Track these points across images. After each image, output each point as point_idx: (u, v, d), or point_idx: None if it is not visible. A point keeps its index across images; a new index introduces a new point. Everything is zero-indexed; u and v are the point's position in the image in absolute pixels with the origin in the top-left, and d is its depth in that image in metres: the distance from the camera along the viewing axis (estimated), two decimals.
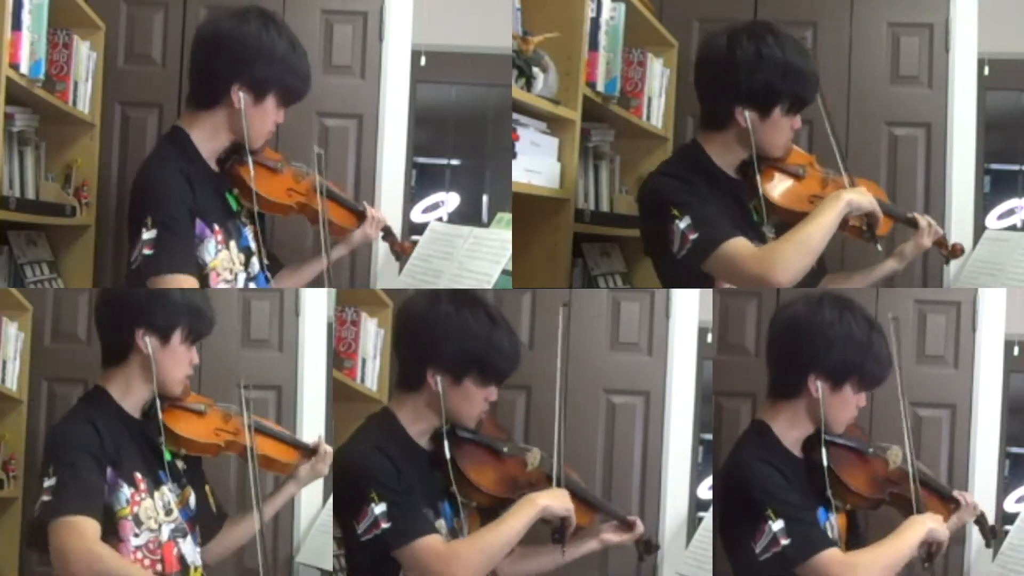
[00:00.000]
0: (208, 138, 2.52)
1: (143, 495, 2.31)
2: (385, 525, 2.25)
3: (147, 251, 2.35)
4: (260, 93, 2.49)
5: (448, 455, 2.35)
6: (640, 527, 2.57)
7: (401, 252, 3.00)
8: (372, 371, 3.52)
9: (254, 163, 2.55)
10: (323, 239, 2.65)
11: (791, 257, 2.40)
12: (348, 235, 2.77)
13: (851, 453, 2.50)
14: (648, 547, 2.61)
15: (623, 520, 2.57)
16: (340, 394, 3.38)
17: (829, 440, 2.47)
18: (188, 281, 2.37)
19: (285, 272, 2.79)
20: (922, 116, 3.66)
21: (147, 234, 2.36)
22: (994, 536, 2.73)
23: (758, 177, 2.49)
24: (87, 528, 2.16)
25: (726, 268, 2.43)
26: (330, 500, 3.22)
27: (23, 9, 2.81)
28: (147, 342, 2.34)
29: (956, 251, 2.76)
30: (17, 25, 2.79)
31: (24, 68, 2.84)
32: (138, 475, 2.31)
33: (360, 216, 2.78)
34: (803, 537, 2.34)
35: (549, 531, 2.41)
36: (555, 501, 2.36)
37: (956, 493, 2.57)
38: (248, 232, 2.60)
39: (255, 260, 2.61)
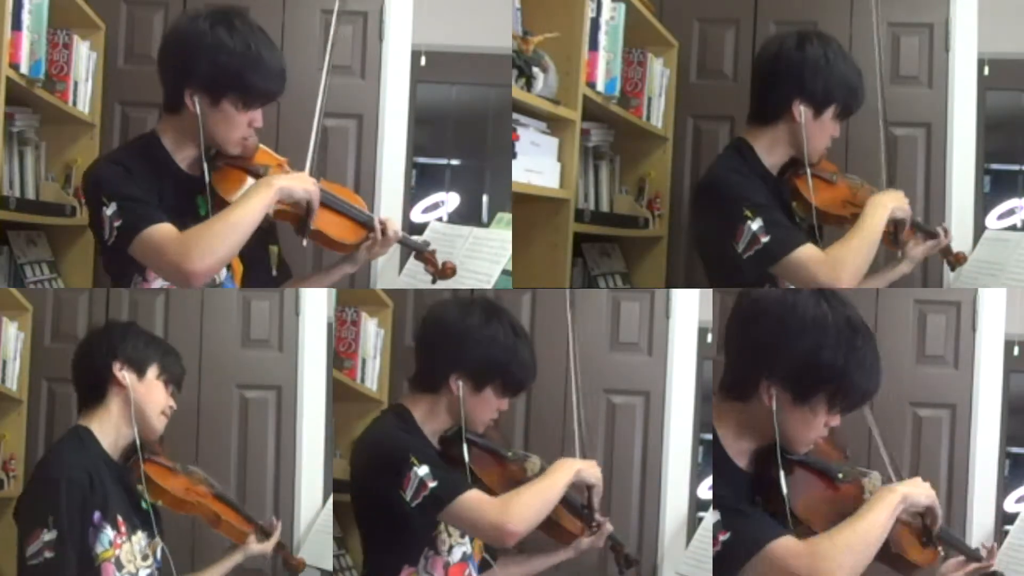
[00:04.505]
0: (177, 142, 2.39)
1: (124, 538, 2.31)
2: (432, 484, 2.26)
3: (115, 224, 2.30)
4: (215, 96, 2.33)
5: (467, 456, 2.38)
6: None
7: (442, 275, 2.59)
8: (372, 371, 3.52)
9: (228, 166, 2.40)
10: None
11: (852, 263, 2.53)
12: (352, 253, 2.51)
13: (813, 474, 2.10)
14: (628, 561, 2.59)
15: None
16: (340, 394, 3.39)
17: (792, 459, 2.07)
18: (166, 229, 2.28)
19: (290, 283, 2.69)
20: (922, 116, 3.65)
21: (108, 211, 2.29)
22: None
23: (808, 173, 2.62)
24: None
25: (796, 273, 2.52)
26: (330, 501, 3.22)
27: (23, 9, 2.81)
28: (124, 375, 2.35)
29: (960, 259, 2.82)
30: (17, 25, 2.79)
31: (24, 68, 2.85)
32: (120, 518, 2.31)
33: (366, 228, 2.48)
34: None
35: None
36: (588, 468, 2.40)
37: (982, 547, 2.31)
38: None
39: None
